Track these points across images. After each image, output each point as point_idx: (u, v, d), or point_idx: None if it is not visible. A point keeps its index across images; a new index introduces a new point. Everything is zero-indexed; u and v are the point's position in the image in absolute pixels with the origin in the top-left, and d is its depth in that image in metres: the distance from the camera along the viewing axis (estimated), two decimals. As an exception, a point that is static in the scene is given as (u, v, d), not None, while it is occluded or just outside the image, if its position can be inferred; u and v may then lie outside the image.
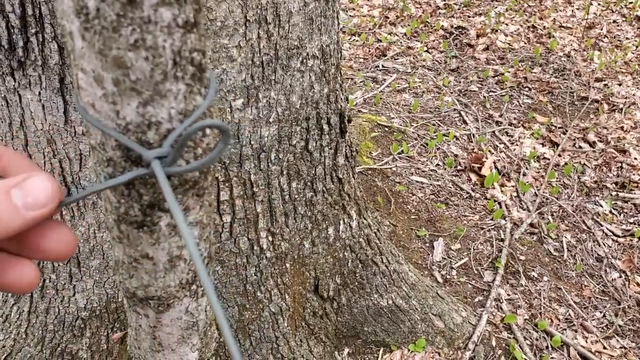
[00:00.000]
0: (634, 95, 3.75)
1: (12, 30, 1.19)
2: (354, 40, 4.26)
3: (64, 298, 1.68)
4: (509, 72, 3.89)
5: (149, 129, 0.40)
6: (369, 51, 4.09)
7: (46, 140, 1.38)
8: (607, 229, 2.73)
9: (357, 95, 3.45)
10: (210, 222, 0.55)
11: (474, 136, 3.16)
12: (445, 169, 2.87)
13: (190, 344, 0.61)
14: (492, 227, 2.58)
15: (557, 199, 2.82)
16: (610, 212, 2.83)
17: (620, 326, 2.28)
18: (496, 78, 3.83)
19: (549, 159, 3.08)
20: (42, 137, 1.38)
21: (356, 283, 1.95)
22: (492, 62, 4.05)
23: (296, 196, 1.67)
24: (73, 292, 1.67)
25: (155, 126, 0.40)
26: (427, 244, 2.42)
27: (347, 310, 1.97)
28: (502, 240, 2.51)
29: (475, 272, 2.36)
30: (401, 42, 4.25)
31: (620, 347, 2.21)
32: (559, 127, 3.37)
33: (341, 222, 1.83)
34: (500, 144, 3.15)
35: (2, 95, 1.32)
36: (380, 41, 4.25)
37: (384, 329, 2.02)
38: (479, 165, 2.88)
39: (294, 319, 1.83)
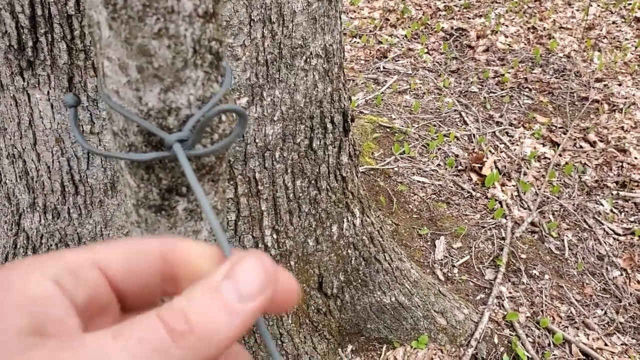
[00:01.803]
0: (633, 95, 3.77)
1: (22, 31, 1.21)
2: (355, 42, 4.28)
3: (71, 296, 1.70)
4: (509, 73, 3.91)
5: (169, 115, 0.42)
6: (370, 53, 4.11)
7: (54, 138, 1.40)
8: (608, 227, 2.75)
9: (359, 97, 3.48)
10: (224, 209, 0.57)
11: (474, 136, 3.18)
12: (446, 169, 2.89)
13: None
14: (493, 225, 2.60)
15: (558, 198, 2.84)
16: (611, 211, 2.85)
17: (621, 323, 2.30)
18: (496, 79, 3.85)
19: (549, 159, 3.10)
20: (50, 136, 1.40)
21: (359, 280, 1.96)
22: (492, 63, 4.07)
23: (300, 194, 1.69)
24: (80, 290, 1.69)
25: (175, 112, 0.42)
26: (429, 243, 2.44)
27: (350, 307, 1.99)
28: (503, 238, 2.53)
29: (477, 270, 2.38)
30: (402, 44, 4.27)
31: (622, 344, 2.22)
32: (560, 127, 3.39)
33: (345, 220, 1.85)
34: (500, 144, 3.17)
35: (12, 94, 1.34)
36: (381, 43, 4.27)
37: (387, 325, 2.03)
38: (479, 165, 2.90)
39: (298, 316, 1.85)
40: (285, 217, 1.71)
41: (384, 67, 3.92)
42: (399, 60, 4.05)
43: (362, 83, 3.68)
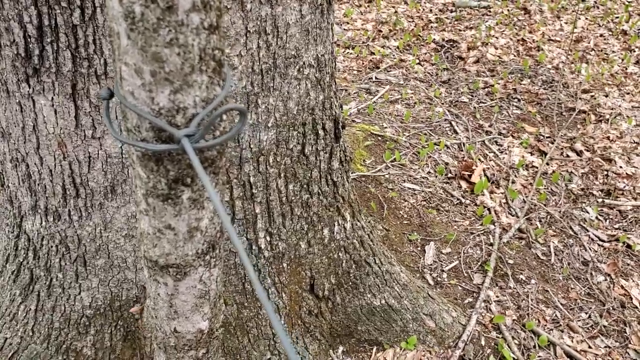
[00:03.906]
0: (619, 106, 3.86)
1: (29, 40, 1.27)
2: (348, 52, 4.37)
3: (70, 296, 1.75)
4: (498, 83, 3.99)
5: (177, 113, 0.48)
6: (363, 63, 4.20)
7: (57, 143, 1.46)
8: (593, 234, 2.82)
9: (351, 106, 3.55)
10: (223, 200, 0.63)
11: (464, 145, 3.26)
12: (436, 176, 2.96)
13: (202, 313, 0.69)
14: (482, 232, 2.66)
15: (545, 205, 2.92)
16: (597, 218, 2.92)
17: (604, 327, 2.36)
18: (486, 89, 3.94)
19: (537, 167, 3.18)
20: (53, 140, 1.46)
21: (350, 283, 2.02)
22: (482, 74, 4.16)
23: (293, 198, 1.75)
24: (79, 291, 1.74)
25: (183, 111, 0.48)
26: (419, 248, 2.51)
27: (341, 309, 2.05)
28: (492, 244, 2.60)
29: (465, 274, 2.45)
30: (394, 55, 4.36)
31: (605, 347, 2.29)
32: (547, 137, 3.48)
33: (336, 223, 1.91)
34: (489, 152, 3.24)
35: (17, 100, 1.40)
36: (374, 54, 4.36)
37: (377, 327, 2.09)
38: (469, 173, 2.97)
39: (291, 317, 1.90)
40: (278, 220, 1.77)
41: (376, 78, 4.00)
42: (391, 71, 4.13)
43: (354, 93, 3.76)
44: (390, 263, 2.11)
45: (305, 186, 1.76)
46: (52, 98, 1.37)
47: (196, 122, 0.49)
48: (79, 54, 1.30)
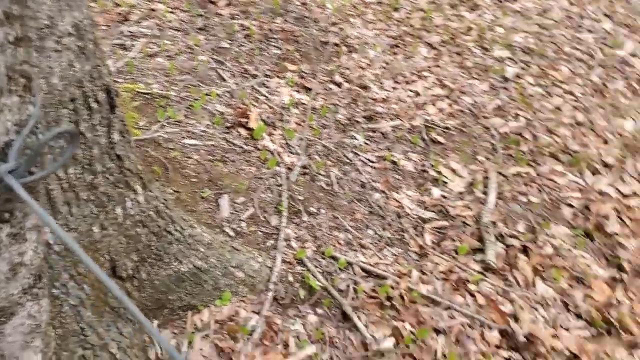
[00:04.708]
0: (364, 35, 4.20)
1: None
2: (91, 7, 4.00)
3: None
4: (254, 25, 4.04)
5: (-14, 146, 0.39)
6: (110, 17, 3.89)
7: None
8: (365, 157, 3.09)
9: (109, 65, 3.30)
10: (44, 226, 0.55)
11: (235, 92, 3.26)
12: (215, 128, 2.94)
13: (33, 347, 0.61)
14: (270, 175, 2.74)
15: (319, 139, 3.10)
16: (365, 143, 3.20)
17: (389, 238, 2.65)
18: (244, 32, 3.95)
19: (306, 104, 3.33)
20: None
21: (153, 256, 1.95)
22: (236, 17, 4.15)
23: (76, 182, 1.60)
24: None
25: (-8, 142, 0.40)
26: (213, 203, 2.50)
27: (148, 284, 1.97)
28: (281, 185, 2.70)
29: (263, 219, 2.52)
30: (141, 5, 4.11)
31: (392, 255, 2.58)
32: (309, 73, 3.65)
33: (127, 199, 1.80)
34: (260, 96, 3.31)
35: None
36: (120, 5, 4.06)
37: (188, 292, 2.06)
38: (245, 120, 3.00)
39: (97, 306, 1.78)
40: (63, 210, 1.60)
41: (128, 32, 3.75)
42: (142, 22, 3.90)
43: (108, 50, 3.48)
44: (191, 226, 2.07)
45: (87, 167, 1.61)
46: None
47: (14, 151, 0.41)
48: None
